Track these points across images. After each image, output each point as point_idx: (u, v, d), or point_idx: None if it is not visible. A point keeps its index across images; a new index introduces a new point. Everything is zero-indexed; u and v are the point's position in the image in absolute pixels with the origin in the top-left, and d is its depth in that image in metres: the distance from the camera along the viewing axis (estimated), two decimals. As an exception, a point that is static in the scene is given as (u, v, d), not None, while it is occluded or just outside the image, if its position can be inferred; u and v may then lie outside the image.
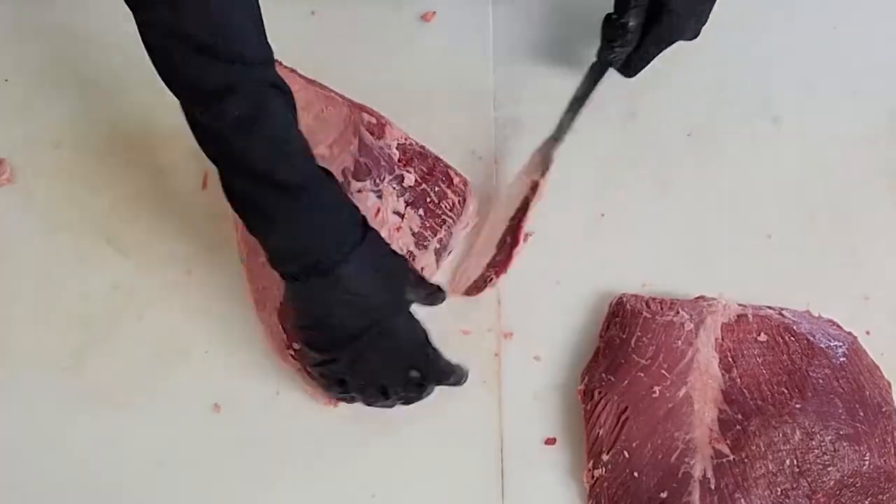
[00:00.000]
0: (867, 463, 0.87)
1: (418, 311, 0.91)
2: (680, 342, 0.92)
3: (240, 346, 0.99)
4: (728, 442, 0.88)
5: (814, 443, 0.87)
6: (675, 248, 1.01)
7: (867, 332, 0.96)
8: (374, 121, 1.01)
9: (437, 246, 0.99)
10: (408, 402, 0.91)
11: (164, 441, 0.95)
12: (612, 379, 0.92)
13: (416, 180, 1.00)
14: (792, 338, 0.92)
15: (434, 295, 0.93)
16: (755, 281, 0.99)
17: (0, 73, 1.12)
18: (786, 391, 0.90)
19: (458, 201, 1.01)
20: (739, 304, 0.95)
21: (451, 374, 0.91)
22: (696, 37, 0.96)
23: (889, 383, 0.93)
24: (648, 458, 0.89)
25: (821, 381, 0.90)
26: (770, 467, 0.87)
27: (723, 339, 0.93)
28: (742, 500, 0.86)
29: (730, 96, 1.07)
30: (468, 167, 1.04)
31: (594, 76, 1.01)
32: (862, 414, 0.89)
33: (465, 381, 0.92)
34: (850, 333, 0.95)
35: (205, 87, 0.79)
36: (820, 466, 0.87)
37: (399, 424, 0.95)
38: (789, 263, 1.00)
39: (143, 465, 0.95)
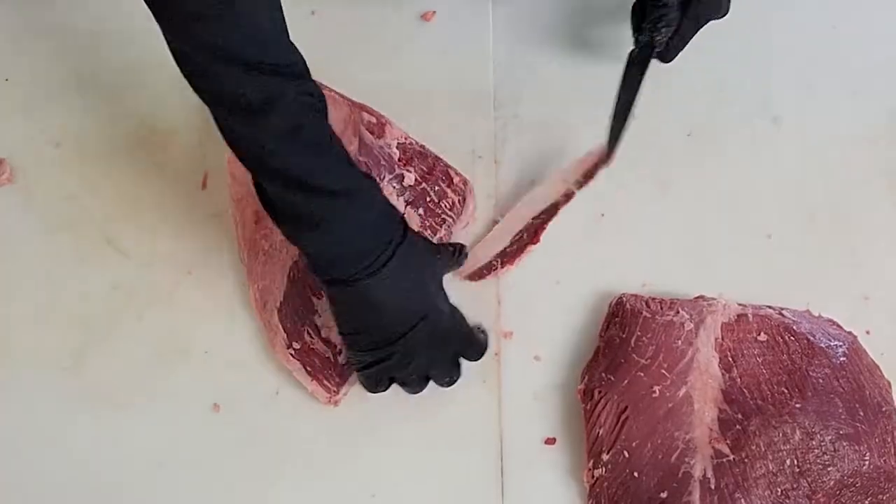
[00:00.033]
0: (867, 463, 0.87)
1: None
2: (680, 342, 0.92)
3: (240, 346, 0.99)
4: (728, 442, 0.88)
5: (814, 443, 0.87)
6: (675, 248, 1.01)
7: (867, 332, 0.96)
8: (374, 120, 1.01)
9: (437, 245, 1.00)
10: (450, 385, 0.92)
11: (164, 441, 0.96)
12: (612, 379, 0.92)
13: (416, 180, 1.00)
14: (792, 337, 0.92)
15: (459, 256, 0.95)
16: (755, 281, 0.99)
17: (0, 73, 1.12)
18: (786, 391, 0.90)
19: (458, 201, 1.01)
20: (739, 304, 0.95)
21: (486, 347, 0.93)
22: (726, 14, 0.96)
23: (889, 383, 0.93)
24: (648, 458, 0.89)
25: (821, 380, 0.90)
26: (770, 467, 0.87)
27: (723, 339, 0.93)
28: (742, 500, 0.86)
29: (730, 96, 1.07)
30: (468, 167, 1.04)
31: (639, 69, 0.98)
32: (862, 414, 0.89)
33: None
34: (850, 333, 0.95)
35: (246, 101, 0.78)
36: (820, 466, 0.87)
37: (399, 424, 0.95)
38: (789, 263, 1.00)
39: (143, 465, 0.95)
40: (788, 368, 0.91)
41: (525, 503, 0.93)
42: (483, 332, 0.94)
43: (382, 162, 0.99)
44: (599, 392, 0.92)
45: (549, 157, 1.05)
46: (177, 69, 1.11)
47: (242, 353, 0.98)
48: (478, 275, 0.99)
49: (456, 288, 0.96)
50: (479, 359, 0.93)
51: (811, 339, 0.92)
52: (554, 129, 1.07)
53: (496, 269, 1.00)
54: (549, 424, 0.95)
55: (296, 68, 0.81)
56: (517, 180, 1.04)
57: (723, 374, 0.91)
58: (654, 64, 0.99)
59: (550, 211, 1.02)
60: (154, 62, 1.11)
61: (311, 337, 0.96)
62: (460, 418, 0.95)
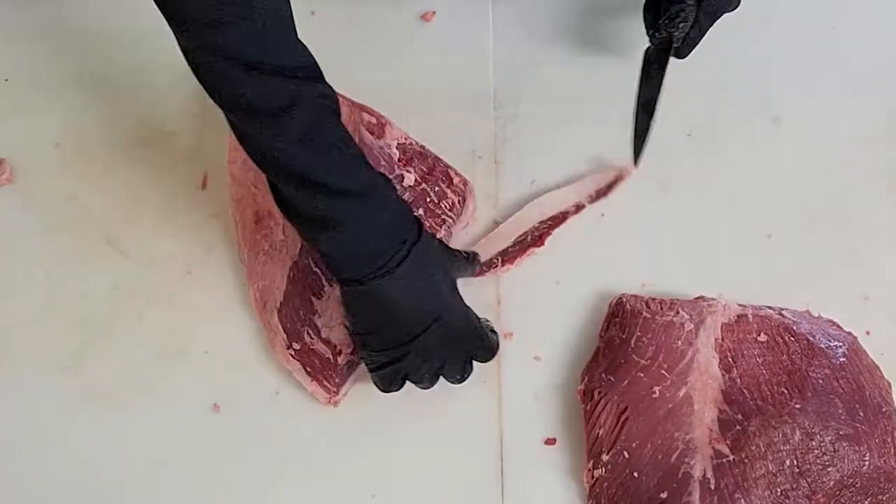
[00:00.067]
0: (867, 463, 0.87)
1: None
2: (680, 342, 0.92)
3: (240, 346, 0.99)
4: (728, 442, 0.88)
5: (814, 443, 0.87)
6: (675, 248, 1.01)
7: (867, 332, 0.96)
8: (374, 121, 1.01)
9: (437, 246, 1.00)
10: (461, 382, 0.92)
11: (164, 441, 0.96)
12: (612, 379, 0.92)
13: (415, 180, 1.00)
14: (792, 338, 0.92)
15: (472, 262, 0.95)
16: (755, 281, 0.99)
17: (0, 73, 1.12)
18: (786, 391, 0.90)
19: (458, 201, 1.01)
20: (739, 304, 0.95)
21: (497, 348, 0.93)
22: (737, 6, 0.95)
23: (889, 383, 0.93)
24: (648, 459, 0.89)
25: (821, 381, 0.90)
26: (770, 467, 0.87)
27: (723, 340, 0.93)
28: (742, 501, 0.86)
29: (730, 96, 1.07)
30: (468, 167, 1.04)
31: (659, 67, 0.97)
32: (862, 414, 0.89)
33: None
34: (850, 333, 0.95)
35: (263, 106, 0.79)
36: (820, 467, 0.87)
37: (399, 424, 0.95)
38: (789, 263, 1.00)
39: (143, 465, 0.95)
40: (788, 369, 0.91)
41: (525, 503, 0.93)
42: (494, 331, 0.94)
43: (382, 162, 0.99)
44: (599, 392, 0.92)
45: (550, 157, 1.05)
46: (176, 70, 1.11)
47: (242, 353, 0.98)
48: (478, 271, 0.99)
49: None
50: (490, 359, 0.93)
51: (811, 339, 0.92)
52: (554, 129, 1.07)
53: (496, 266, 1.00)
54: (549, 424, 0.95)
55: (309, 71, 0.82)
56: (517, 180, 1.05)
57: (723, 375, 0.91)
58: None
59: (558, 218, 1.02)
60: (154, 62, 1.11)
61: (311, 337, 0.96)
62: (460, 418, 0.95)
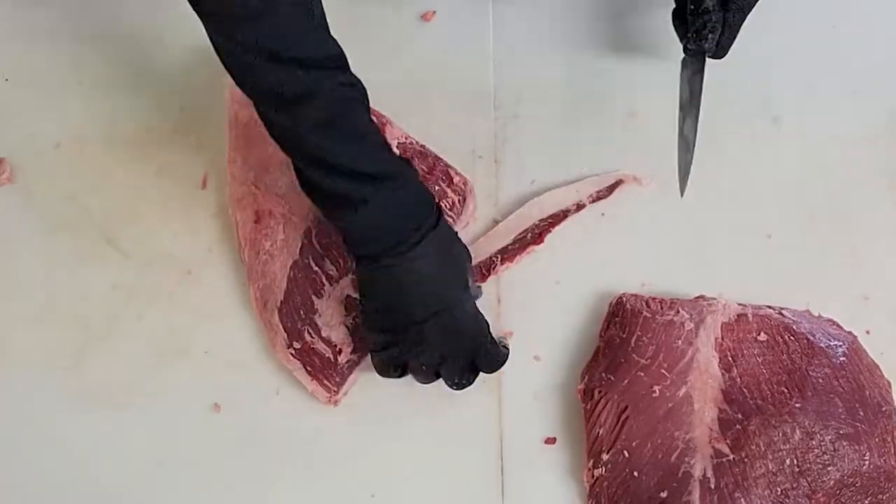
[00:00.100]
0: (867, 462, 0.87)
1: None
2: (680, 342, 0.92)
3: (240, 346, 0.99)
4: (728, 441, 0.88)
5: (814, 442, 0.87)
6: (675, 248, 1.01)
7: (867, 332, 0.96)
8: (374, 120, 1.01)
9: (437, 246, 0.99)
10: (459, 388, 0.92)
11: (164, 441, 0.96)
12: (612, 378, 0.92)
13: (416, 180, 1.00)
14: (792, 337, 0.92)
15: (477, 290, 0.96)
16: (755, 281, 0.99)
17: (0, 73, 1.12)
18: (786, 391, 0.90)
19: (458, 201, 1.01)
20: (739, 304, 0.95)
21: (502, 362, 0.93)
22: None
23: (889, 383, 0.93)
24: (648, 458, 0.89)
25: (821, 380, 0.90)
26: (770, 467, 0.87)
27: (723, 339, 0.93)
28: (742, 500, 0.86)
29: (730, 96, 1.07)
30: (468, 167, 1.04)
31: (696, 72, 0.97)
32: (862, 413, 0.89)
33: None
34: (850, 333, 0.95)
35: (285, 95, 0.83)
36: (820, 466, 0.87)
37: (399, 424, 0.95)
38: (789, 263, 1.00)
39: (143, 465, 0.95)
40: (788, 368, 0.91)
41: (525, 503, 0.93)
42: (506, 347, 0.94)
43: (382, 162, 0.99)
44: (599, 392, 0.92)
45: (549, 157, 1.05)
46: (176, 70, 1.11)
47: (242, 353, 0.98)
48: (478, 273, 0.99)
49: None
50: (492, 371, 0.93)
51: (811, 338, 0.92)
52: (554, 128, 1.07)
53: (495, 266, 1.00)
54: (549, 424, 0.95)
55: (332, 62, 0.85)
56: (517, 180, 1.05)
57: (723, 374, 0.91)
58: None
59: (558, 216, 1.02)
60: (154, 62, 1.11)
61: (312, 337, 0.96)
62: (460, 418, 0.95)
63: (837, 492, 0.87)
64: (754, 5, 0.95)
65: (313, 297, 0.97)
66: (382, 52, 1.11)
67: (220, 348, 0.99)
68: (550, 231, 1.01)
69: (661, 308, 0.95)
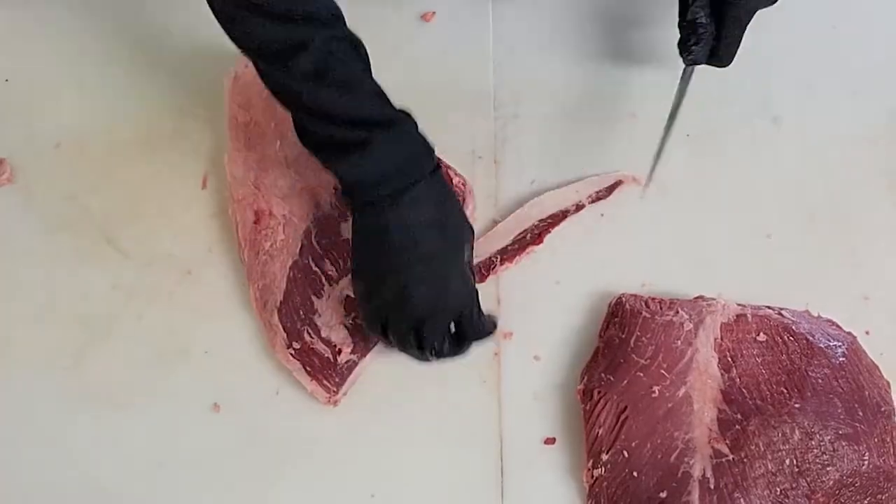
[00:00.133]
0: (866, 462, 0.87)
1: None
2: (679, 342, 0.92)
3: (240, 346, 0.99)
4: (727, 442, 0.88)
5: (813, 442, 0.87)
6: (675, 248, 1.01)
7: (867, 332, 0.96)
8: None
9: (437, 246, 0.99)
10: (440, 355, 0.90)
11: (164, 441, 0.96)
12: (612, 379, 0.92)
13: (416, 180, 1.00)
14: (791, 338, 0.92)
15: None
16: (755, 281, 0.99)
17: (0, 73, 1.12)
18: (785, 391, 0.90)
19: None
20: (739, 304, 0.95)
21: (490, 333, 0.92)
22: (776, 0, 0.95)
23: (888, 383, 0.93)
24: (648, 458, 0.89)
25: (820, 380, 0.90)
26: (769, 467, 0.87)
27: (722, 339, 0.93)
28: (741, 500, 0.86)
29: (730, 96, 1.07)
30: (468, 167, 1.04)
31: (684, 79, 0.98)
32: (861, 414, 0.89)
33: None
34: (849, 333, 0.95)
35: (277, 48, 0.85)
36: (819, 466, 0.87)
37: (399, 424, 0.95)
38: (789, 263, 1.00)
39: (143, 465, 0.95)
40: (788, 368, 0.91)
41: (525, 503, 0.93)
42: (494, 322, 0.92)
43: (382, 162, 0.99)
44: (599, 392, 0.92)
45: (550, 157, 1.05)
46: (176, 70, 1.12)
47: (242, 353, 0.98)
48: (477, 272, 0.99)
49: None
50: (476, 338, 0.90)
51: (810, 339, 0.92)
52: (554, 129, 1.07)
53: (495, 266, 1.00)
54: (549, 424, 0.95)
55: (324, 16, 0.86)
56: (517, 180, 1.05)
57: (722, 375, 0.91)
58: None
59: (558, 217, 1.02)
60: (154, 63, 1.11)
61: (311, 337, 0.96)
62: (460, 418, 0.95)
63: (837, 492, 0.87)
64: (752, 16, 0.94)
65: (313, 298, 0.97)
66: (382, 52, 1.09)
67: (220, 348, 0.99)
68: (550, 231, 1.01)
69: (661, 308, 0.95)
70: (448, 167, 1.02)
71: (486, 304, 0.98)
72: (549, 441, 0.95)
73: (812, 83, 1.08)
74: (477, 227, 1.03)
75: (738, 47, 0.96)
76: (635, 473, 0.89)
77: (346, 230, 0.98)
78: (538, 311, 0.99)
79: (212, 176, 1.06)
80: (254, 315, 0.99)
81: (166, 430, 0.96)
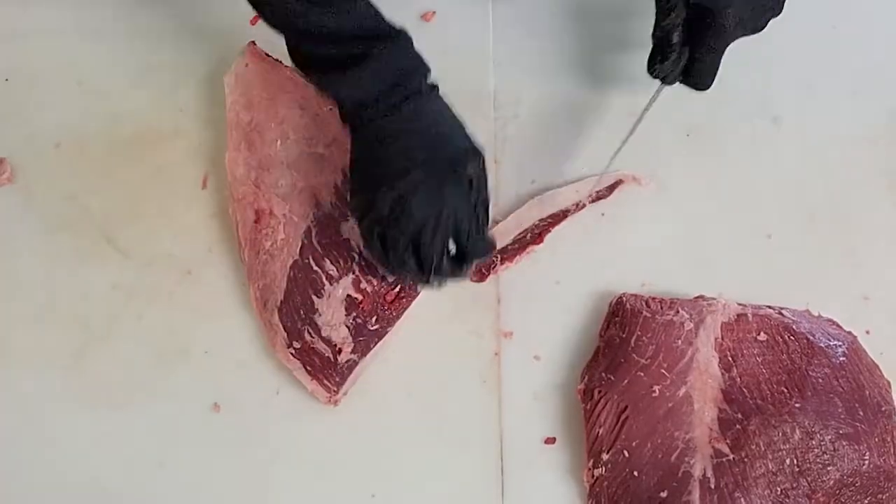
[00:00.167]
0: (867, 462, 0.87)
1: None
2: (680, 341, 0.92)
3: (240, 346, 0.99)
4: (728, 441, 0.88)
5: (813, 442, 0.87)
6: (675, 248, 1.01)
7: (867, 332, 0.96)
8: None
9: (437, 245, 0.99)
10: (440, 274, 0.89)
11: (164, 441, 0.95)
12: (612, 378, 0.92)
13: (416, 180, 1.00)
14: (792, 337, 0.92)
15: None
16: (755, 281, 0.99)
17: (0, 74, 1.12)
18: (785, 390, 0.90)
19: (458, 201, 1.01)
20: (739, 304, 0.95)
21: (489, 253, 0.92)
22: (763, 29, 0.95)
23: (889, 383, 0.93)
24: (648, 458, 0.89)
25: (820, 380, 0.90)
26: (770, 466, 0.87)
27: (722, 339, 0.93)
28: (742, 500, 0.86)
29: (730, 96, 1.07)
30: (468, 167, 1.04)
31: (655, 94, 0.99)
32: (861, 413, 0.89)
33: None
34: (849, 333, 0.95)
35: None
36: (820, 466, 0.87)
37: (399, 424, 0.95)
38: (789, 263, 1.00)
39: (143, 465, 0.95)
40: (788, 368, 0.91)
41: (525, 503, 0.93)
42: (493, 243, 0.92)
43: (382, 162, 0.99)
44: (599, 392, 0.92)
45: (549, 158, 1.05)
46: (176, 70, 1.11)
47: (242, 353, 0.98)
48: (477, 272, 0.99)
49: (456, 288, 0.96)
50: (475, 256, 0.90)
51: (811, 338, 0.92)
52: (554, 128, 1.07)
53: (495, 266, 1.00)
54: (549, 424, 0.95)
55: None
56: (517, 180, 1.04)
57: (722, 374, 0.91)
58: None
59: (558, 216, 1.02)
60: (155, 62, 1.11)
61: (312, 336, 0.96)
62: (460, 418, 0.95)
63: (837, 491, 0.87)
64: (728, 45, 0.94)
65: (313, 297, 0.97)
66: (382, 53, 1.10)
67: (220, 348, 0.99)
68: (550, 231, 1.01)
69: (661, 308, 0.95)
70: (448, 167, 1.02)
71: (487, 304, 0.99)
72: (550, 441, 0.95)
73: (812, 83, 1.08)
74: (477, 227, 1.03)
75: (713, 75, 0.96)
76: (636, 473, 0.89)
77: (347, 230, 0.98)
78: (538, 310, 0.99)
79: (212, 176, 1.05)
80: (254, 315, 0.99)
81: (166, 430, 0.96)
